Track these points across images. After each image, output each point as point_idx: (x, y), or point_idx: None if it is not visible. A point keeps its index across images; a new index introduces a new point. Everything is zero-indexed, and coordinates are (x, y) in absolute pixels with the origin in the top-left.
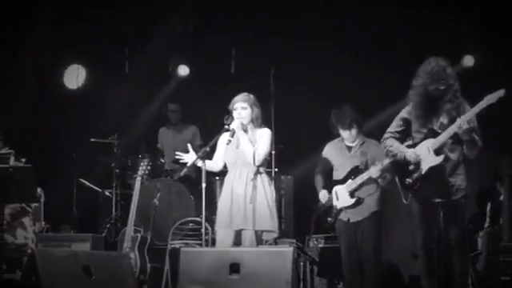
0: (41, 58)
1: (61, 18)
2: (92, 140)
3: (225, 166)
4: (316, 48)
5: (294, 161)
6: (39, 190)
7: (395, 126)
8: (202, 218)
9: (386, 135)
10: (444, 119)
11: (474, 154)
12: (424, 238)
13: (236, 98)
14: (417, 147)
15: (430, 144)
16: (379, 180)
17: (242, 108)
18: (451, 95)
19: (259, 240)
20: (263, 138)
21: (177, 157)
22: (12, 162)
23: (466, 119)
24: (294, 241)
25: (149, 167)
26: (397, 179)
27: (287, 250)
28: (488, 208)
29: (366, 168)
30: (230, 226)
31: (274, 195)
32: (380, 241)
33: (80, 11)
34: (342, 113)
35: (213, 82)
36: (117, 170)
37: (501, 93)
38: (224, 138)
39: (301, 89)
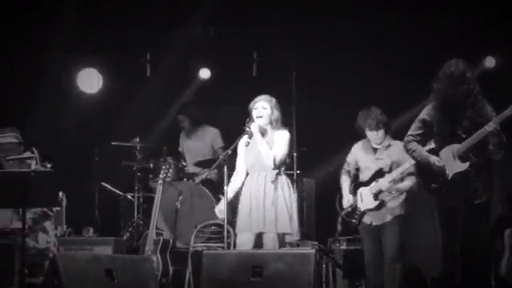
0: (62, 61)
1: (84, 22)
2: (113, 143)
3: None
4: (338, 50)
5: (315, 163)
6: (61, 193)
7: (415, 128)
8: (224, 220)
9: (407, 138)
10: (466, 123)
11: (500, 154)
12: (447, 241)
13: (258, 98)
14: (441, 152)
15: (455, 149)
16: (394, 191)
17: (262, 107)
18: (472, 99)
19: (282, 243)
20: (281, 140)
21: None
22: (33, 166)
23: (494, 125)
24: (316, 243)
25: (171, 170)
26: (421, 183)
27: (309, 252)
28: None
29: (391, 171)
30: (250, 229)
31: (295, 198)
32: (402, 246)
33: (102, 15)
34: (369, 114)
35: (234, 85)
36: (139, 174)
37: None
38: (242, 141)
39: (323, 91)
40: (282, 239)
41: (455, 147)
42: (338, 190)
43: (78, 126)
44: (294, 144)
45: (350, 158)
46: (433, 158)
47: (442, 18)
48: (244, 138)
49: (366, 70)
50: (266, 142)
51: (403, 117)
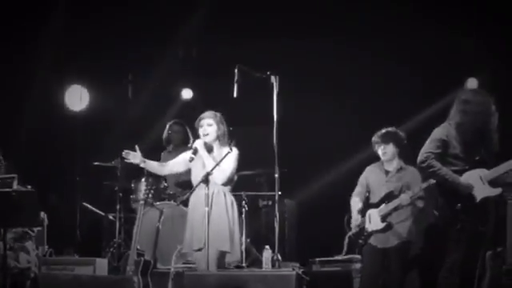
0: (44, 81)
1: (66, 42)
2: (95, 164)
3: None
4: (322, 70)
5: (297, 185)
6: (42, 213)
7: (434, 147)
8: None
9: (428, 155)
10: (488, 150)
11: None
12: (454, 262)
13: (202, 115)
14: (465, 175)
15: (482, 174)
16: (410, 207)
17: (207, 124)
18: (496, 126)
19: (221, 262)
20: (228, 157)
21: (123, 154)
22: (15, 186)
23: None
24: (297, 264)
25: (152, 191)
26: (440, 201)
27: (290, 273)
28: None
29: (401, 194)
30: (193, 243)
31: (237, 217)
32: (405, 272)
33: (85, 35)
34: (382, 130)
35: (216, 105)
36: (120, 194)
37: None
38: (186, 155)
39: (305, 112)
40: (222, 257)
41: (483, 172)
42: (318, 214)
43: (59, 145)
44: (275, 165)
45: (361, 179)
46: (463, 178)
47: (427, 39)
48: (188, 153)
49: (352, 91)
50: (212, 158)
51: None
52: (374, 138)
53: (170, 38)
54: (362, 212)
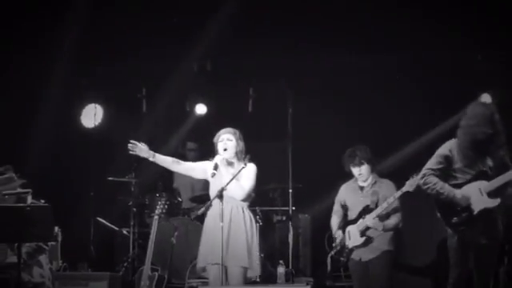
0: (59, 97)
1: (80, 57)
2: (109, 179)
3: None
4: (336, 87)
5: (311, 199)
6: (56, 228)
7: (435, 163)
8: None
9: (426, 171)
10: (491, 162)
11: None
12: (458, 276)
13: (222, 131)
14: (465, 187)
15: (482, 186)
16: (378, 228)
17: (228, 139)
18: (500, 140)
19: (245, 278)
20: (248, 173)
21: (129, 146)
22: (29, 201)
23: None
24: (311, 279)
25: (166, 206)
26: (439, 216)
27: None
28: (506, 247)
29: (377, 207)
30: (213, 258)
31: (257, 233)
32: (391, 281)
33: (99, 51)
34: (353, 151)
35: (230, 120)
36: (134, 209)
37: None
38: (207, 164)
39: (319, 127)
40: (245, 274)
41: (482, 184)
42: (329, 229)
43: (74, 160)
44: (289, 180)
45: (338, 197)
46: (458, 193)
47: (440, 54)
48: (211, 164)
49: (362, 109)
50: (231, 174)
51: (398, 155)
52: (347, 159)
53: (184, 53)
54: (342, 229)
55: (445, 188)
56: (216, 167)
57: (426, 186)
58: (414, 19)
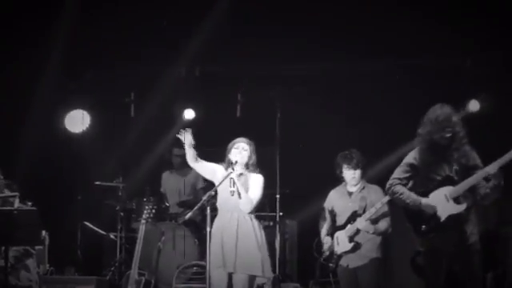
0: (47, 103)
1: (68, 63)
2: (97, 183)
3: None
4: (324, 92)
5: (298, 205)
6: (44, 232)
7: (401, 171)
8: (206, 261)
9: (392, 181)
10: (456, 167)
11: (490, 200)
12: (433, 285)
13: (238, 139)
14: (431, 194)
15: (447, 192)
16: (370, 231)
17: (243, 149)
18: (457, 143)
19: (252, 284)
20: (257, 184)
21: (180, 131)
22: (17, 204)
23: (493, 170)
24: (298, 285)
25: (153, 211)
26: (409, 225)
27: None
28: (494, 251)
29: (365, 212)
30: (224, 267)
31: (265, 239)
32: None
33: (87, 56)
34: (350, 153)
35: (218, 125)
36: (121, 213)
37: None
38: (221, 169)
39: (306, 133)
40: (252, 281)
41: (448, 190)
42: (319, 234)
43: (61, 164)
44: (277, 186)
45: (326, 203)
46: (425, 200)
47: (428, 60)
48: (226, 174)
49: (352, 113)
50: (241, 185)
51: (385, 162)
52: (343, 161)
53: (172, 58)
54: (331, 235)
55: (410, 197)
56: (234, 184)
57: (394, 196)
58: (402, 24)
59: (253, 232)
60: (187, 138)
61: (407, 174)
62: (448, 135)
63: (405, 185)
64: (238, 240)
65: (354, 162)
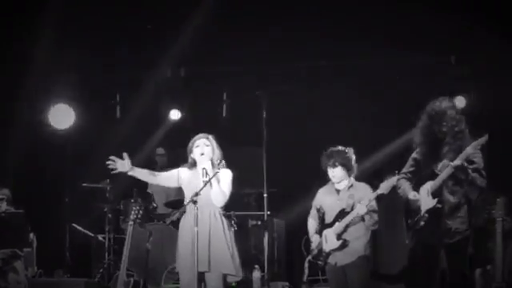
0: (33, 104)
1: (52, 61)
2: (84, 185)
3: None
4: (310, 92)
5: (286, 204)
6: (31, 234)
7: (407, 166)
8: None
9: (399, 176)
10: (446, 161)
11: (475, 195)
12: (424, 279)
13: (197, 136)
14: (420, 189)
15: (428, 186)
16: (366, 221)
17: (205, 145)
18: (451, 137)
19: (225, 283)
20: (225, 179)
21: (108, 162)
22: (4, 207)
23: (458, 162)
24: (287, 284)
25: (141, 211)
26: (403, 220)
27: None
28: (481, 248)
29: (353, 210)
30: (194, 267)
31: (233, 236)
32: (367, 285)
33: (73, 54)
34: (331, 152)
35: (205, 125)
36: (109, 215)
37: (483, 140)
38: (181, 172)
39: (293, 132)
40: (225, 279)
41: (429, 184)
42: (307, 233)
43: (48, 167)
44: (264, 185)
45: (315, 202)
46: (411, 194)
47: (414, 57)
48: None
49: (339, 112)
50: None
51: (374, 158)
52: (323, 159)
53: (158, 58)
54: (319, 233)
55: (403, 190)
56: (206, 173)
57: (398, 190)
58: (389, 22)
59: (222, 229)
60: (123, 165)
61: (412, 169)
62: (444, 129)
63: (409, 179)
64: (210, 236)
65: (332, 160)
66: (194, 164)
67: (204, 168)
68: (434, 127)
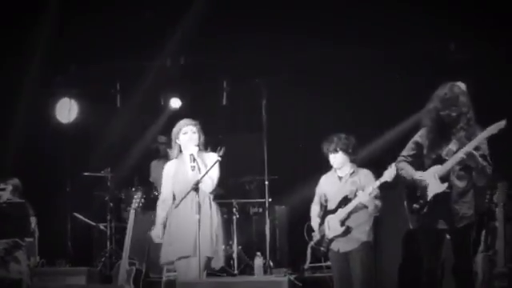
0: (34, 94)
1: (53, 53)
2: (85, 174)
3: None
4: (309, 79)
5: (287, 191)
6: (33, 224)
7: (408, 149)
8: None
9: (398, 158)
10: (453, 146)
11: (482, 182)
12: (428, 264)
13: (183, 122)
14: (424, 173)
15: (436, 170)
16: (369, 207)
17: (192, 132)
18: (464, 123)
19: (207, 267)
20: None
21: None
22: (5, 197)
23: (470, 148)
24: (289, 270)
25: (142, 200)
26: (405, 203)
27: (282, 279)
28: (483, 233)
29: (356, 197)
30: (185, 253)
31: (222, 223)
32: (370, 272)
33: (73, 47)
34: (332, 137)
35: (205, 114)
36: (111, 204)
37: (501, 124)
38: (171, 165)
39: (294, 119)
40: (207, 263)
41: (436, 169)
42: (309, 219)
43: (49, 156)
44: (265, 172)
45: (318, 189)
46: (417, 173)
47: (414, 44)
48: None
49: (339, 97)
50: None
51: (375, 144)
52: (324, 145)
53: (157, 47)
54: (322, 220)
55: (407, 172)
56: (194, 159)
57: (398, 173)
58: (388, 10)
59: (209, 214)
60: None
61: (412, 152)
62: (454, 114)
63: (410, 162)
64: (199, 223)
65: (333, 146)
66: (180, 151)
67: (192, 154)
68: (444, 111)
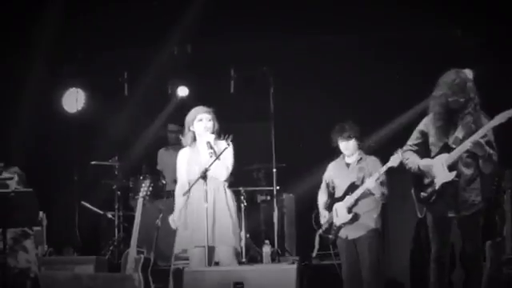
0: (41, 82)
1: (60, 43)
2: (93, 163)
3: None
4: (316, 66)
5: (295, 179)
6: (41, 213)
7: (413, 138)
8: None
9: (404, 148)
10: (460, 133)
11: (489, 169)
12: (437, 252)
13: (198, 109)
14: (431, 162)
15: (443, 159)
16: (376, 194)
17: (207, 119)
18: (471, 108)
19: (238, 255)
20: (228, 153)
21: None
22: (13, 186)
23: (478, 136)
24: (298, 258)
25: (150, 188)
26: (412, 192)
27: (291, 267)
28: (491, 220)
29: (363, 183)
30: (198, 242)
31: (236, 211)
32: (378, 259)
33: (80, 37)
34: (343, 125)
35: (212, 102)
36: (118, 192)
37: (511, 112)
38: (184, 154)
39: (301, 107)
40: (234, 253)
41: (444, 157)
42: (316, 207)
43: (57, 145)
44: (273, 160)
45: (325, 176)
46: (423, 161)
47: (420, 32)
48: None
49: (346, 84)
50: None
51: (381, 132)
52: (334, 133)
53: (164, 35)
54: (329, 208)
55: (413, 162)
56: (211, 147)
57: (404, 162)
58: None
59: (225, 203)
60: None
61: (417, 141)
62: (462, 100)
63: (416, 151)
64: (214, 211)
65: (346, 133)
66: (194, 138)
67: (208, 142)
68: (453, 97)
